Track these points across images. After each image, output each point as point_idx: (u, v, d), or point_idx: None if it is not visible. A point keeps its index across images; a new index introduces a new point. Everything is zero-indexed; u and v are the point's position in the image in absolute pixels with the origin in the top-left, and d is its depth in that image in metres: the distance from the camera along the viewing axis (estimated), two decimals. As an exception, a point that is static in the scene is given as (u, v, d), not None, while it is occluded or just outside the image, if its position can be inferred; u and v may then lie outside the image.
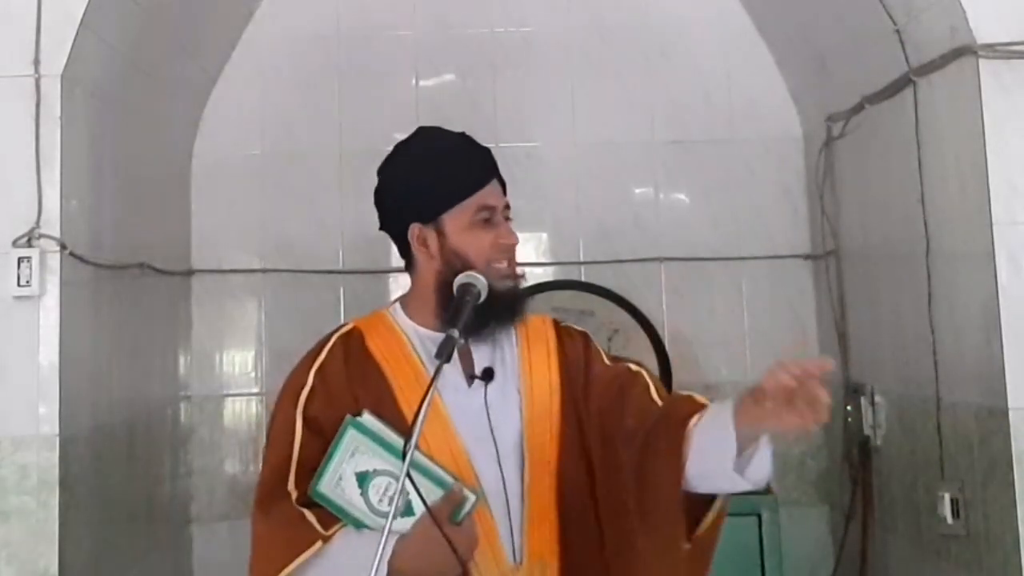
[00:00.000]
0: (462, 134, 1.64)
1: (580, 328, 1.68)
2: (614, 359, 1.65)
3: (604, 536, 1.50)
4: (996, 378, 2.08)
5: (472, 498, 1.41)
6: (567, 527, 1.49)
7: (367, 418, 1.43)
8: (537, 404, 1.55)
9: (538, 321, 1.66)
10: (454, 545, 1.35)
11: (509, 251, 1.57)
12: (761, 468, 1.38)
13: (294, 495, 1.45)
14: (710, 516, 1.47)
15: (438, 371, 1.36)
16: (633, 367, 1.62)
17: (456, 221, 1.55)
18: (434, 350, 1.40)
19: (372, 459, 1.41)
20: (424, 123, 3.43)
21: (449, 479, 1.41)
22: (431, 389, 1.34)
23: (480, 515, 1.45)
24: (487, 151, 1.60)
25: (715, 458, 1.38)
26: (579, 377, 1.59)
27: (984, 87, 2.12)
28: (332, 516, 1.41)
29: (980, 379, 2.16)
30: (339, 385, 1.51)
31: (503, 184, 1.62)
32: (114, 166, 2.52)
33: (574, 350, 1.62)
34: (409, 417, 1.39)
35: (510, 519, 1.49)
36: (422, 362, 1.54)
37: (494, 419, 1.52)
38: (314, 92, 3.23)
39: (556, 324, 1.67)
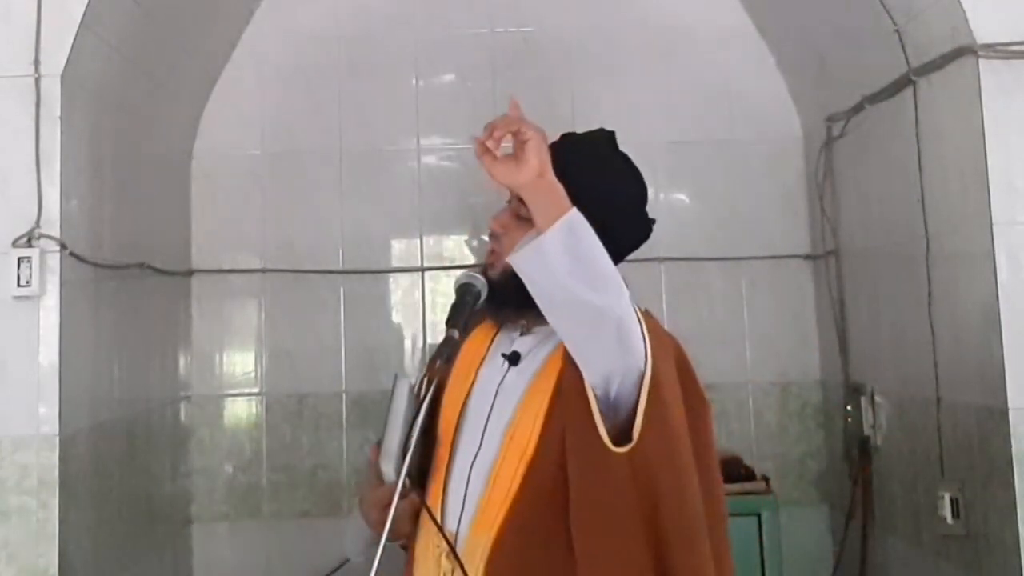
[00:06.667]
0: None
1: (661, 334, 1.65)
2: None
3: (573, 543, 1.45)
4: (996, 378, 2.08)
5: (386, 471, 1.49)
6: (517, 516, 1.47)
7: (399, 383, 1.54)
8: (534, 396, 1.54)
9: None
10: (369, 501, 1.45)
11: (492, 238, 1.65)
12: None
13: None
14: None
15: (438, 370, 1.48)
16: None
17: None
18: (507, 335, 1.61)
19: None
20: (424, 123, 3.41)
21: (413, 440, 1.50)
22: (429, 391, 1.47)
23: (434, 479, 1.55)
24: None
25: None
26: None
27: (984, 87, 2.12)
28: None
29: (980, 379, 2.16)
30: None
31: None
32: (114, 166, 2.52)
33: None
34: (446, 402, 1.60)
35: (466, 491, 1.52)
36: (491, 343, 1.64)
37: (499, 400, 1.56)
38: (314, 92, 3.23)
39: None
